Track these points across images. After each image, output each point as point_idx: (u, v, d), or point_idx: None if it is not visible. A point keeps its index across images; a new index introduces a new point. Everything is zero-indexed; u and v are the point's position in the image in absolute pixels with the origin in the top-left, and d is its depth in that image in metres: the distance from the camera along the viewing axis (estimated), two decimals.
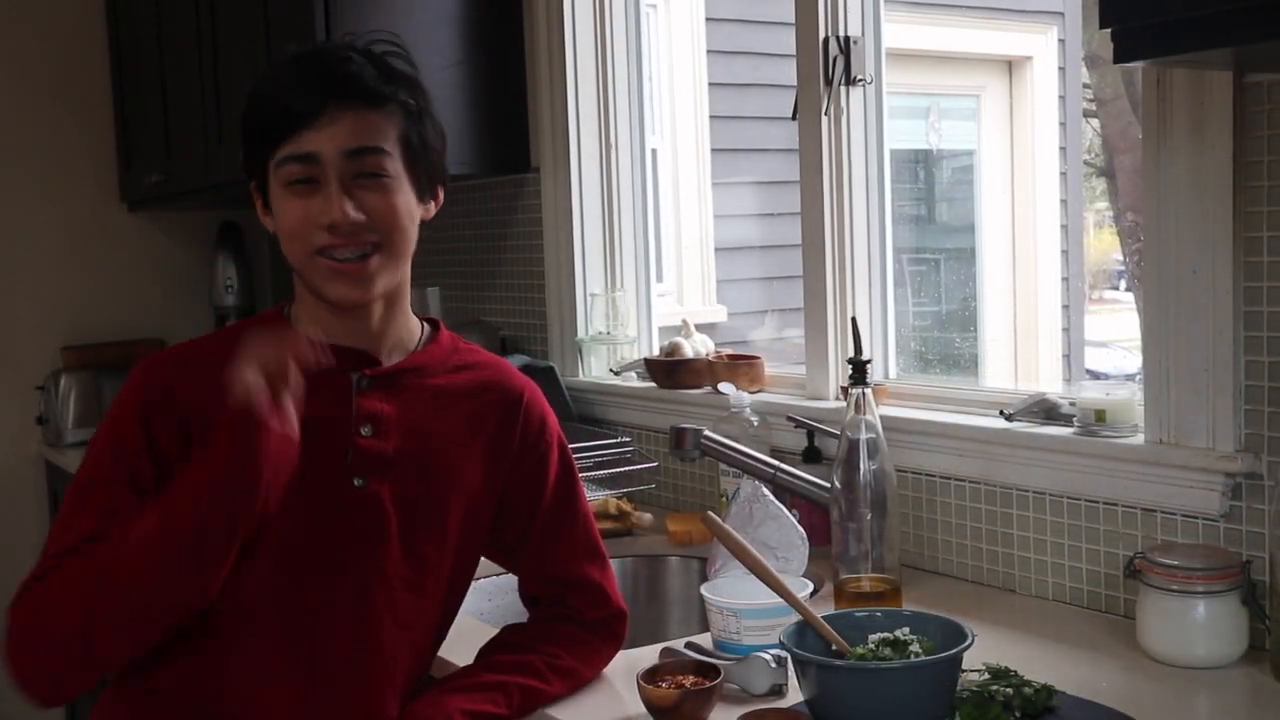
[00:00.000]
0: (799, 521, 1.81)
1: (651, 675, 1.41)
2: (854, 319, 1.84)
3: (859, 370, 1.71)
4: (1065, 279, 5.07)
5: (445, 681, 1.43)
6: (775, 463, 1.94)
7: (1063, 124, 5.13)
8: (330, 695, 1.39)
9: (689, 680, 1.41)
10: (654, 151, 3.64)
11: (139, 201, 3.75)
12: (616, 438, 2.49)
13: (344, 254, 1.37)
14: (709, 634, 1.60)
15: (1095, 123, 5.52)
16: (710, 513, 1.52)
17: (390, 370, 1.45)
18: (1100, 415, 1.70)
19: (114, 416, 1.39)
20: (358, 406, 1.42)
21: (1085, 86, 5.29)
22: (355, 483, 1.41)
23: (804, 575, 1.71)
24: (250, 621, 1.37)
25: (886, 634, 1.35)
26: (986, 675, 1.41)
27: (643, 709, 1.39)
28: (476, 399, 1.50)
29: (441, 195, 1.50)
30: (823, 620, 1.37)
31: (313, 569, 1.39)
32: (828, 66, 2.12)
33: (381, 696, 1.42)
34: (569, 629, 1.52)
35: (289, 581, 1.38)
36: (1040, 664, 1.48)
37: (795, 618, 1.39)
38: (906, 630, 1.35)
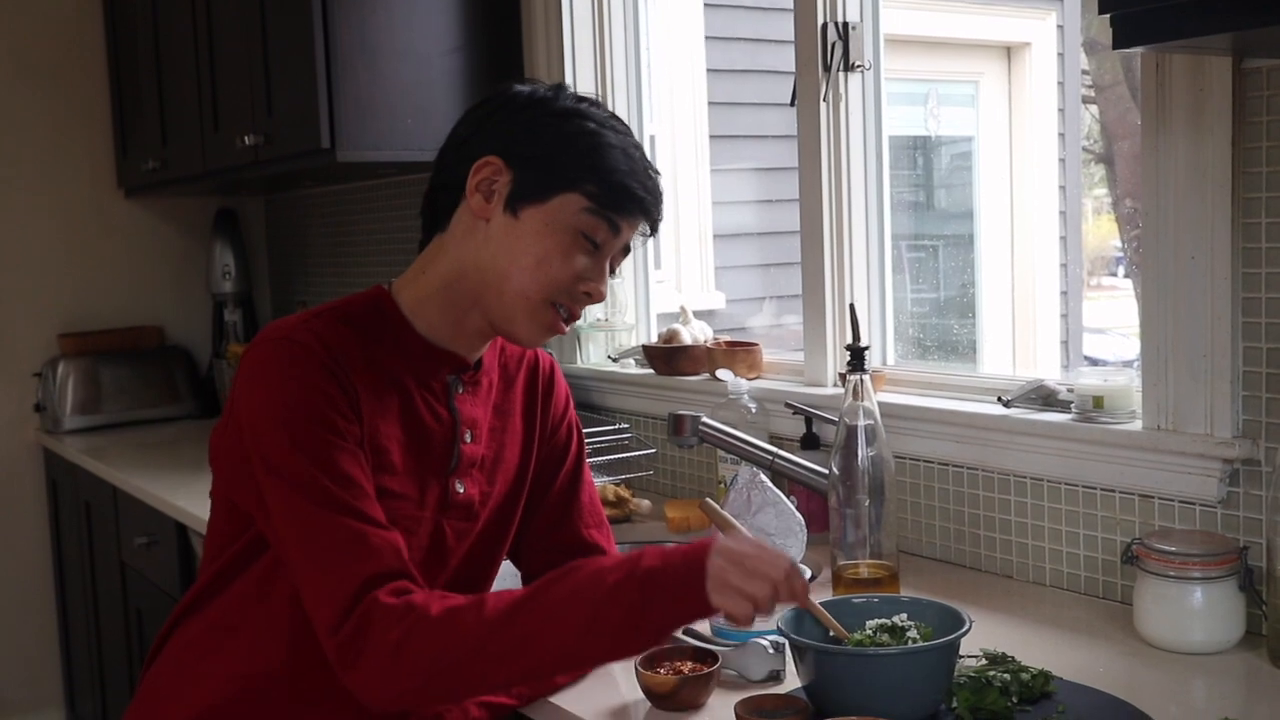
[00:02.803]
0: (797, 508, 1.81)
1: (650, 661, 1.41)
2: (852, 305, 1.84)
3: (857, 357, 1.71)
4: (1063, 265, 5.06)
5: None
6: (773, 449, 1.95)
7: (1061, 110, 5.12)
8: None
9: (687, 666, 1.41)
10: (652, 138, 3.64)
11: (135, 188, 3.75)
12: (615, 424, 2.50)
13: (568, 316, 1.41)
14: (707, 620, 1.60)
15: (1094, 109, 5.51)
16: (708, 499, 1.52)
17: (475, 375, 1.46)
18: (1098, 401, 1.70)
19: (297, 396, 1.30)
20: (459, 413, 1.44)
21: (1084, 73, 5.28)
22: (457, 488, 1.43)
23: (802, 561, 1.71)
24: None
25: (884, 620, 1.36)
26: (984, 661, 1.41)
27: (641, 695, 1.40)
28: (523, 388, 1.54)
29: None
30: (820, 606, 1.38)
31: (421, 572, 1.40)
32: (826, 52, 2.11)
33: None
34: None
35: None
36: (1037, 649, 1.48)
37: (793, 604, 1.39)
38: (904, 616, 1.36)
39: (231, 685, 1.38)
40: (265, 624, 1.37)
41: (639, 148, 1.40)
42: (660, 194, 1.41)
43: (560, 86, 1.41)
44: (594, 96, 1.43)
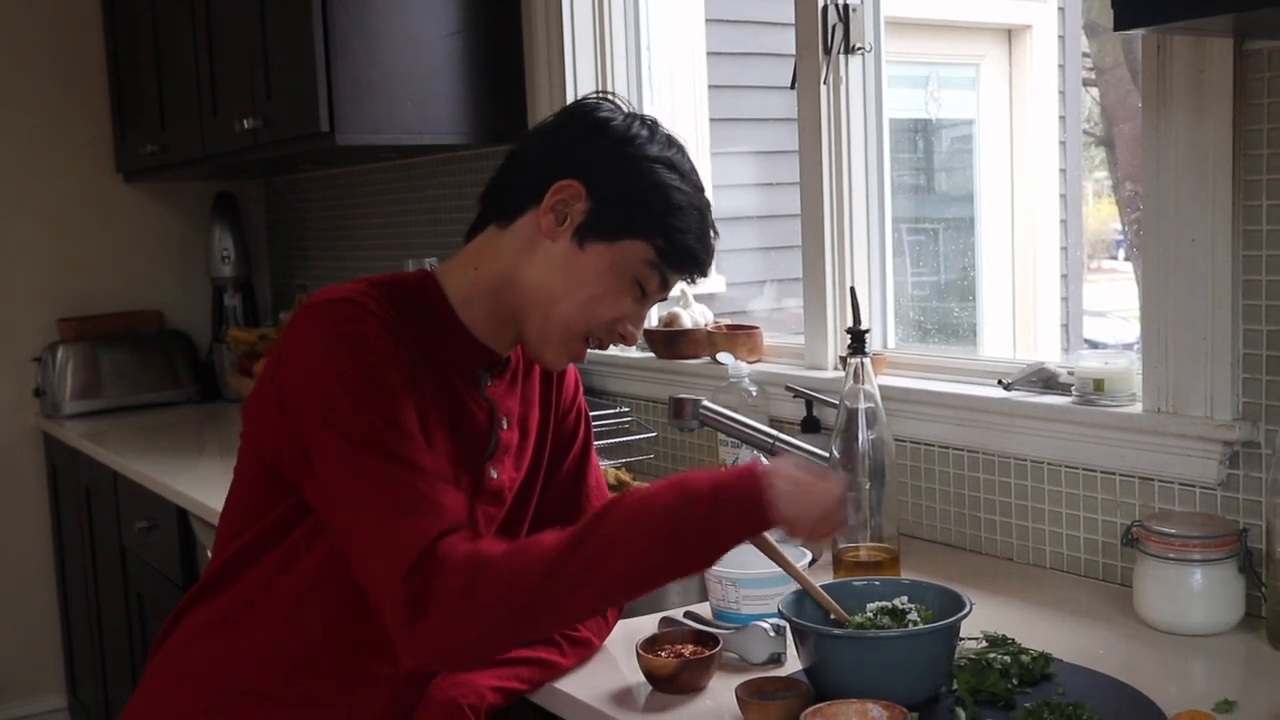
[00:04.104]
0: None
1: (650, 645, 1.42)
2: (853, 289, 1.84)
3: (857, 340, 1.71)
4: (1064, 248, 5.05)
5: None
6: (774, 433, 1.95)
7: (1062, 93, 5.10)
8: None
9: (688, 649, 1.42)
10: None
11: (134, 172, 3.74)
12: (615, 408, 2.50)
13: (596, 346, 1.45)
14: (708, 603, 1.61)
15: (1095, 91, 5.49)
16: None
17: (503, 369, 1.48)
18: (1098, 384, 1.70)
19: (358, 350, 1.29)
20: (496, 401, 1.46)
21: (1085, 55, 5.26)
22: (491, 473, 1.45)
23: (802, 545, 1.72)
24: None
25: (885, 603, 1.36)
26: (984, 643, 1.42)
27: (642, 678, 1.40)
28: (539, 375, 1.55)
29: None
30: (821, 589, 1.38)
31: None
32: (827, 35, 2.10)
33: None
34: None
35: None
36: (1038, 632, 1.49)
37: (794, 587, 1.39)
38: (905, 599, 1.36)
39: (248, 666, 1.38)
40: (285, 605, 1.37)
41: (709, 207, 1.43)
42: (714, 253, 1.44)
43: (654, 125, 1.42)
44: (679, 139, 1.44)
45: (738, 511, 1.26)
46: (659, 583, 1.31)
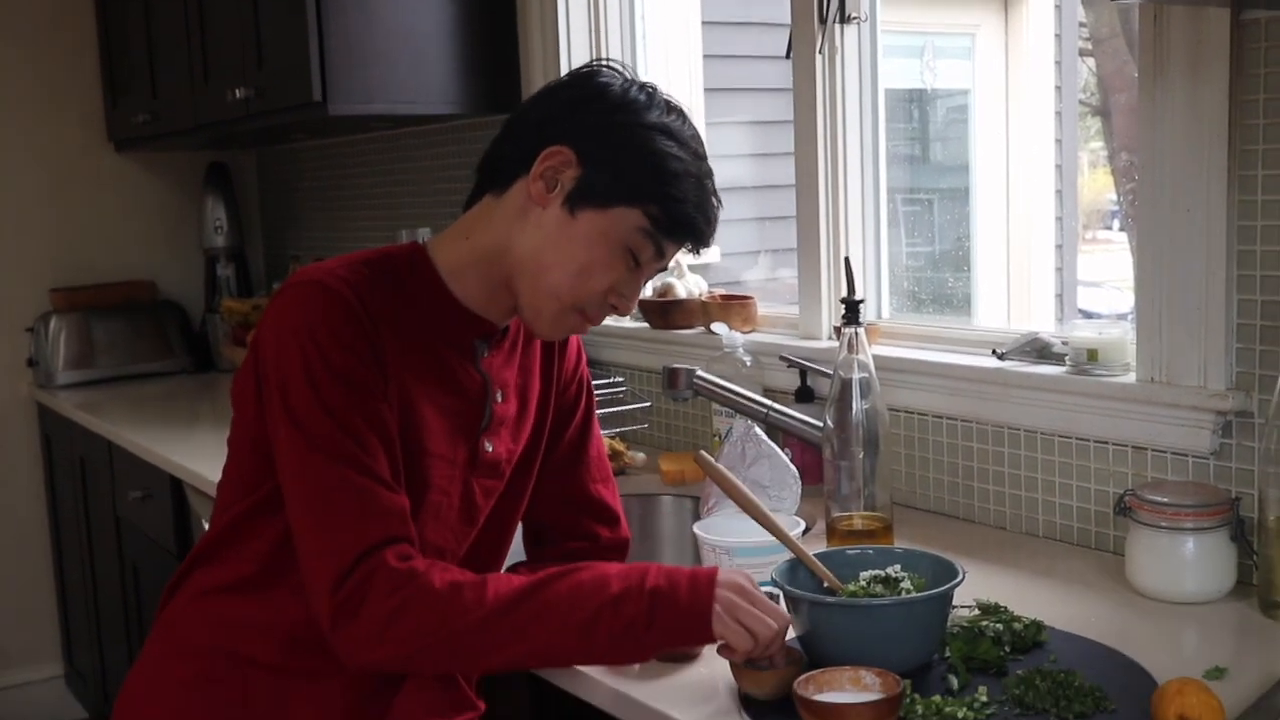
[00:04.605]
0: (791, 461, 1.82)
1: None
2: (847, 259, 1.84)
3: (852, 310, 1.71)
4: (1059, 218, 5.05)
5: None
6: (768, 402, 1.95)
7: (1058, 63, 5.09)
8: None
9: None
10: None
11: (126, 142, 3.72)
12: (610, 378, 2.50)
13: (589, 324, 1.42)
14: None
15: (1091, 62, 5.48)
16: (703, 452, 1.53)
17: (500, 339, 1.47)
18: (1092, 354, 1.71)
19: (323, 345, 1.28)
20: (492, 373, 1.45)
21: (1081, 25, 5.24)
22: (486, 446, 1.44)
23: (796, 514, 1.72)
24: None
25: (878, 571, 1.37)
26: (977, 611, 1.42)
27: None
28: (540, 345, 1.53)
29: None
30: (815, 558, 1.38)
31: (453, 532, 1.43)
32: (822, 4, 2.09)
33: None
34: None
35: (441, 540, 1.42)
36: (1030, 600, 1.49)
37: (787, 556, 1.40)
38: (898, 567, 1.37)
39: (247, 636, 1.38)
40: (284, 576, 1.36)
41: (710, 175, 1.39)
42: (716, 225, 1.40)
43: (653, 91, 1.38)
44: (682, 106, 1.40)
45: (675, 620, 1.26)
46: (581, 664, 1.35)
